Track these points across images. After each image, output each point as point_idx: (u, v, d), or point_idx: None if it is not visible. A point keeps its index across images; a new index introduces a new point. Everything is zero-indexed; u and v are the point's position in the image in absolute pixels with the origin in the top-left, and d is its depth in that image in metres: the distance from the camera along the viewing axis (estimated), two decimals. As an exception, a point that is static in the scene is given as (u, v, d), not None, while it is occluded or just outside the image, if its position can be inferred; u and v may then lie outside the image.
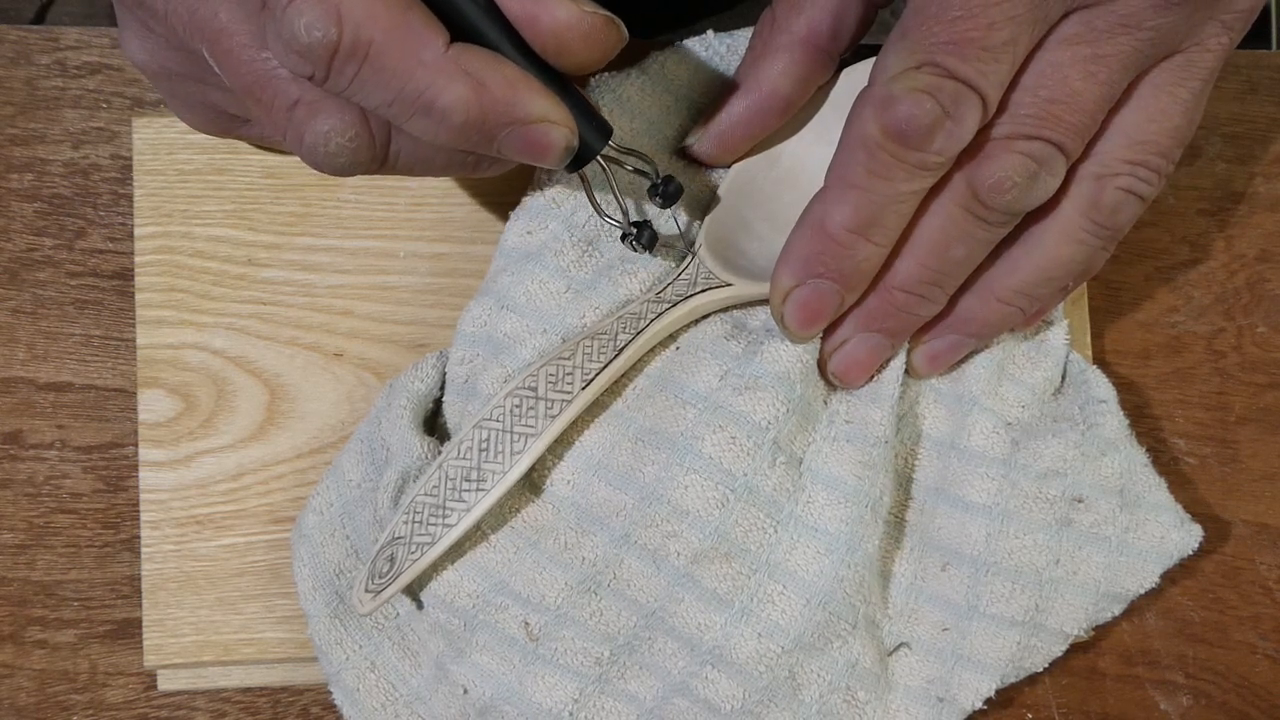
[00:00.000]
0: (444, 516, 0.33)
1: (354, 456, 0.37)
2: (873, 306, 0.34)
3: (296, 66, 0.27)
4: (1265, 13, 0.71)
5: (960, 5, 0.29)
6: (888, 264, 0.33)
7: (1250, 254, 0.44)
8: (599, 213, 0.34)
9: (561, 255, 0.36)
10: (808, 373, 0.35)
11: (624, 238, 0.34)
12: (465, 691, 0.35)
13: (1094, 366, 0.39)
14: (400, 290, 0.40)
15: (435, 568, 0.35)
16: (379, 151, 0.30)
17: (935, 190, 0.32)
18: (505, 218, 0.37)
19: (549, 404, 0.33)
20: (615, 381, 0.35)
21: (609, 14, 0.29)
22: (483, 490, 0.33)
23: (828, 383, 0.36)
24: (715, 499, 0.34)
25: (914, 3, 0.30)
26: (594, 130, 0.31)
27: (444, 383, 0.37)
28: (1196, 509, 0.41)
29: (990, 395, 0.37)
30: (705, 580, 0.34)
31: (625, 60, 0.38)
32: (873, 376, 0.36)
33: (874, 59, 0.32)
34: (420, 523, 0.33)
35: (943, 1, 0.29)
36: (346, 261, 0.40)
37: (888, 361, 0.36)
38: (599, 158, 0.32)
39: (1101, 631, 0.42)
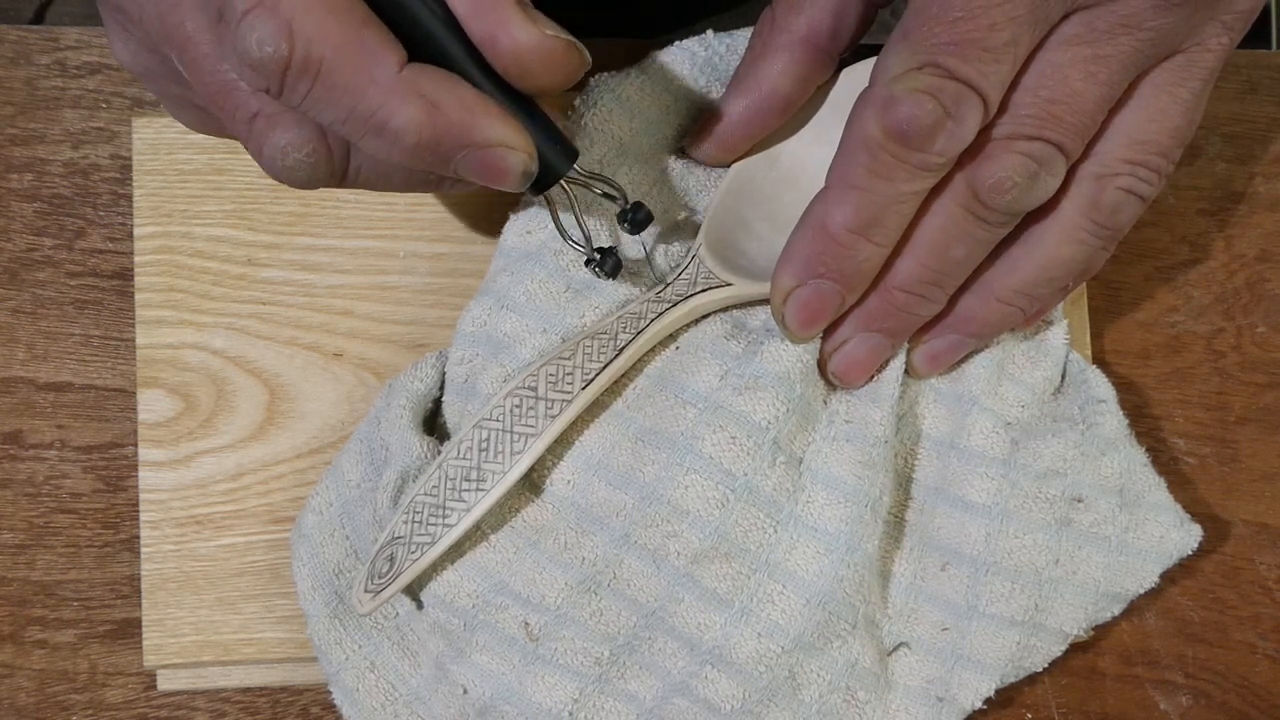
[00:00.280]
0: (444, 516, 0.33)
1: (353, 456, 0.37)
2: (873, 306, 0.34)
3: (251, 80, 0.27)
4: (1265, 13, 0.71)
5: (961, 6, 0.29)
6: (888, 264, 0.33)
7: (1250, 254, 0.44)
8: (563, 236, 0.33)
9: (561, 255, 0.36)
10: (808, 373, 0.35)
11: (588, 263, 0.34)
12: (465, 691, 0.35)
13: (1094, 366, 0.39)
14: (400, 290, 0.40)
15: (435, 568, 0.35)
16: (337, 167, 0.30)
17: (936, 190, 0.32)
18: (505, 218, 0.37)
19: (549, 404, 0.33)
20: (615, 381, 0.35)
21: (570, 38, 0.29)
22: (483, 490, 0.33)
23: (828, 382, 0.36)
24: (715, 499, 0.34)
25: (915, 3, 0.30)
26: (558, 153, 0.31)
27: (443, 383, 0.37)
28: (1196, 509, 0.41)
29: (990, 395, 0.37)
30: (705, 580, 0.34)
31: (625, 60, 0.38)
32: (873, 376, 0.36)
33: (874, 59, 0.32)
34: (420, 523, 0.33)
35: (944, 2, 0.29)
36: (346, 261, 0.40)
37: (888, 361, 0.36)
38: (563, 182, 0.32)
39: (1101, 631, 0.42)
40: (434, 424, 0.38)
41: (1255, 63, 0.45)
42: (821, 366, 0.36)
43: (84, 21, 0.49)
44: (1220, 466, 0.43)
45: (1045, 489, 0.36)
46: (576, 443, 0.35)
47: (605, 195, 0.33)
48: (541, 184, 0.31)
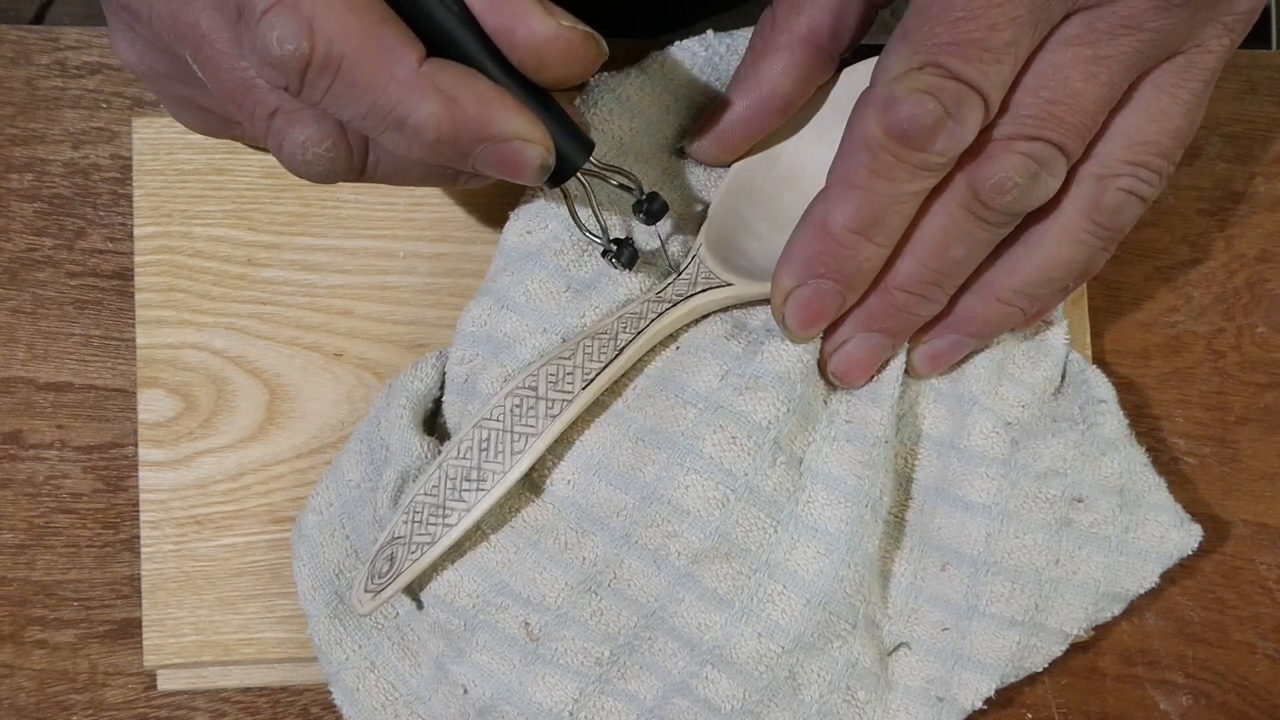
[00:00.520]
0: (444, 516, 0.33)
1: (353, 456, 0.37)
2: (873, 306, 0.34)
3: (271, 78, 0.27)
4: (1265, 13, 0.71)
5: (962, 6, 0.29)
6: (888, 264, 0.33)
7: (1250, 254, 0.44)
8: (580, 228, 0.33)
9: (561, 255, 0.36)
10: (808, 372, 0.35)
11: (604, 254, 0.34)
12: (465, 691, 0.35)
13: (1094, 366, 0.39)
14: (400, 290, 0.40)
15: (435, 567, 0.35)
16: (356, 161, 0.31)
17: (936, 190, 0.32)
18: (505, 218, 0.37)
19: (549, 404, 0.33)
20: (616, 381, 0.35)
21: (588, 29, 0.29)
22: (483, 490, 0.33)
23: (828, 382, 0.36)
24: (715, 499, 0.34)
25: (916, 3, 0.30)
26: (575, 146, 0.31)
27: (444, 382, 0.37)
28: (1196, 509, 0.41)
29: (990, 395, 0.37)
30: (705, 580, 0.34)
31: (625, 60, 0.38)
32: (873, 376, 0.36)
33: (874, 59, 0.32)
34: (420, 522, 0.33)
35: (945, 2, 0.29)
36: (346, 261, 0.40)
37: (888, 361, 0.36)
38: (579, 174, 0.32)
39: (1101, 631, 0.42)
40: (434, 424, 0.38)
41: (1255, 63, 0.45)
42: (822, 366, 0.36)
43: (84, 21, 0.49)
44: (1220, 466, 0.43)
45: (1045, 489, 0.36)
46: (577, 442, 0.35)
47: (621, 186, 0.33)
48: (558, 176, 0.31)
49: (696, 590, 0.34)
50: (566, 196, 0.33)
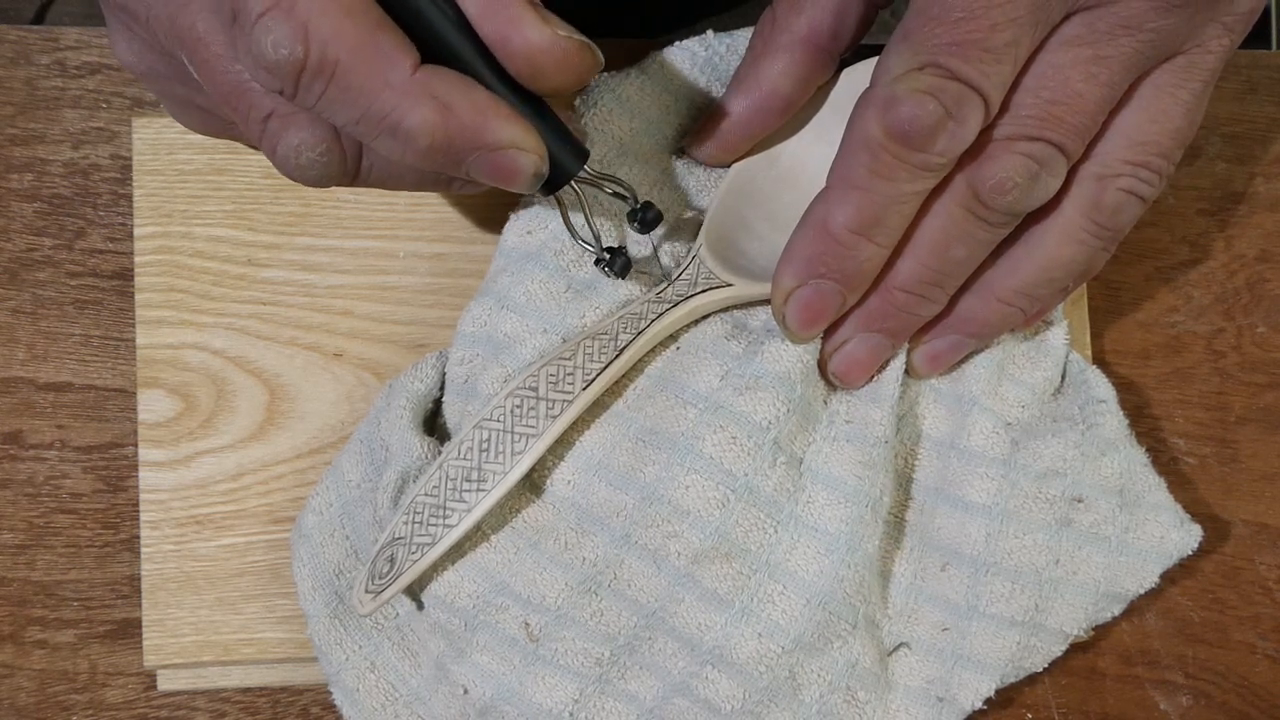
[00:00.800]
0: (444, 517, 0.33)
1: (353, 457, 0.37)
2: (873, 307, 0.34)
3: (266, 82, 0.27)
4: (1265, 13, 0.71)
5: (963, 7, 0.29)
6: (889, 264, 0.33)
7: (1250, 254, 0.44)
8: (574, 236, 0.33)
9: (562, 255, 0.36)
10: (808, 373, 0.35)
11: (597, 262, 0.34)
12: (465, 692, 0.35)
13: (1094, 366, 0.39)
14: (400, 290, 0.40)
15: (435, 568, 0.35)
16: (350, 166, 0.31)
17: (936, 191, 0.32)
18: (505, 218, 0.37)
19: (550, 404, 0.33)
20: (616, 381, 0.35)
21: (584, 39, 0.29)
22: (483, 490, 0.33)
23: (828, 383, 0.36)
24: (716, 499, 0.34)
25: (916, 4, 0.30)
26: (569, 154, 0.31)
27: (444, 383, 0.37)
28: (1196, 509, 0.41)
29: (990, 395, 0.37)
30: (705, 580, 0.34)
31: (625, 60, 0.38)
32: (873, 376, 0.36)
33: (874, 59, 0.32)
34: (420, 523, 0.33)
35: (945, 3, 0.29)
36: (346, 261, 0.40)
37: (888, 361, 0.36)
38: (573, 182, 0.32)
39: (1101, 631, 0.42)
40: (434, 424, 0.38)
41: (1255, 63, 0.45)
42: (822, 367, 0.36)
43: (84, 21, 0.49)
44: (1220, 466, 0.43)
45: (1045, 489, 0.36)
46: (577, 443, 0.35)
47: (615, 195, 0.33)
48: (552, 184, 0.31)
49: (696, 590, 0.34)
50: (561, 204, 0.33)
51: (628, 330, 0.34)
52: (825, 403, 0.36)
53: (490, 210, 0.40)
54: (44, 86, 0.41)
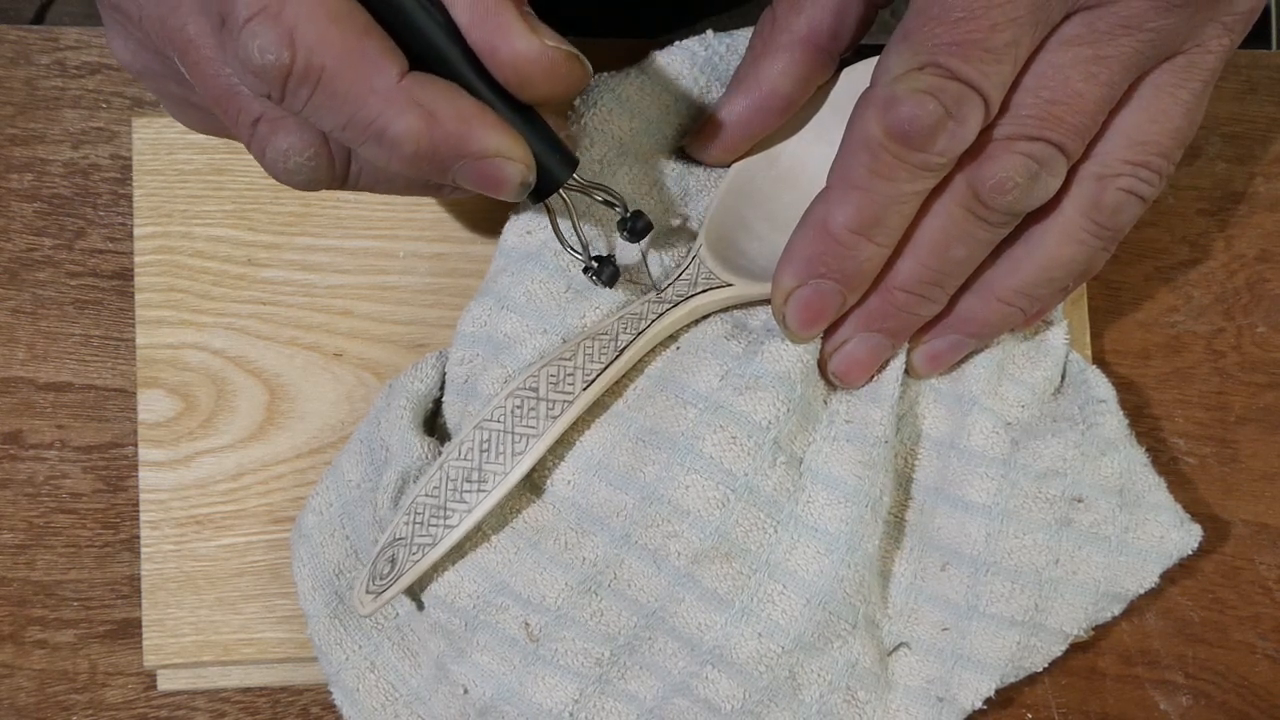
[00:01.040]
0: (445, 517, 0.33)
1: (353, 457, 0.37)
2: (873, 306, 0.34)
3: (253, 86, 0.28)
4: (1265, 13, 0.71)
5: (963, 7, 0.29)
6: (889, 264, 0.33)
7: (1250, 254, 0.44)
8: (562, 243, 0.33)
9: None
10: (808, 372, 0.35)
11: (585, 270, 0.34)
12: (465, 691, 0.35)
13: (1094, 366, 0.39)
14: (400, 290, 0.40)
15: (436, 568, 0.35)
16: (339, 171, 0.31)
17: (936, 191, 0.32)
18: (505, 218, 0.37)
19: (550, 404, 0.33)
20: (616, 381, 0.35)
21: (572, 49, 0.29)
22: (484, 491, 0.33)
23: (828, 382, 0.36)
24: (716, 499, 0.34)
25: (916, 4, 0.30)
26: (558, 162, 0.31)
27: (444, 383, 0.37)
28: (1196, 509, 0.41)
29: (990, 395, 0.37)
30: (705, 580, 0.34)
31: (625, 60, 0.38)
32: (873, 376, 0.36)
33: (874, 58, 0.32)
34: (421, 523, 0.33)
35: (945, 3, 0.29)
36: (346, 261, 0.40)
37: (888, 361, 0.36)
38: (562, 190, 0.32)
39: (1101, 631, 0.42)
40: (434, 424, 0.38)
41: (1255, 63, 0.45)
42: (822, 366, 0.36)
43: (84, 21, 0.49)
44: (1220, 466, 0.43)
45: (1045, 489, 0.36)
46: (577, 443, 0.35)
47: (605, 203, 0.33)
48: (541, 192, 0.31)
49: (696, 590, 0.34)
50: (550, 211, 0.33)
51: (628, 330, 0.34)
52: (825, 403, 0.36)
53: (490, 210, 0.40)
54: (44, 86, 0.41)
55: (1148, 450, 0.38)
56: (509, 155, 0.29)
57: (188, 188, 0.39)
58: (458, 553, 0.35)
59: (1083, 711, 0.42)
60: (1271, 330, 0.43)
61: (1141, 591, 0.37)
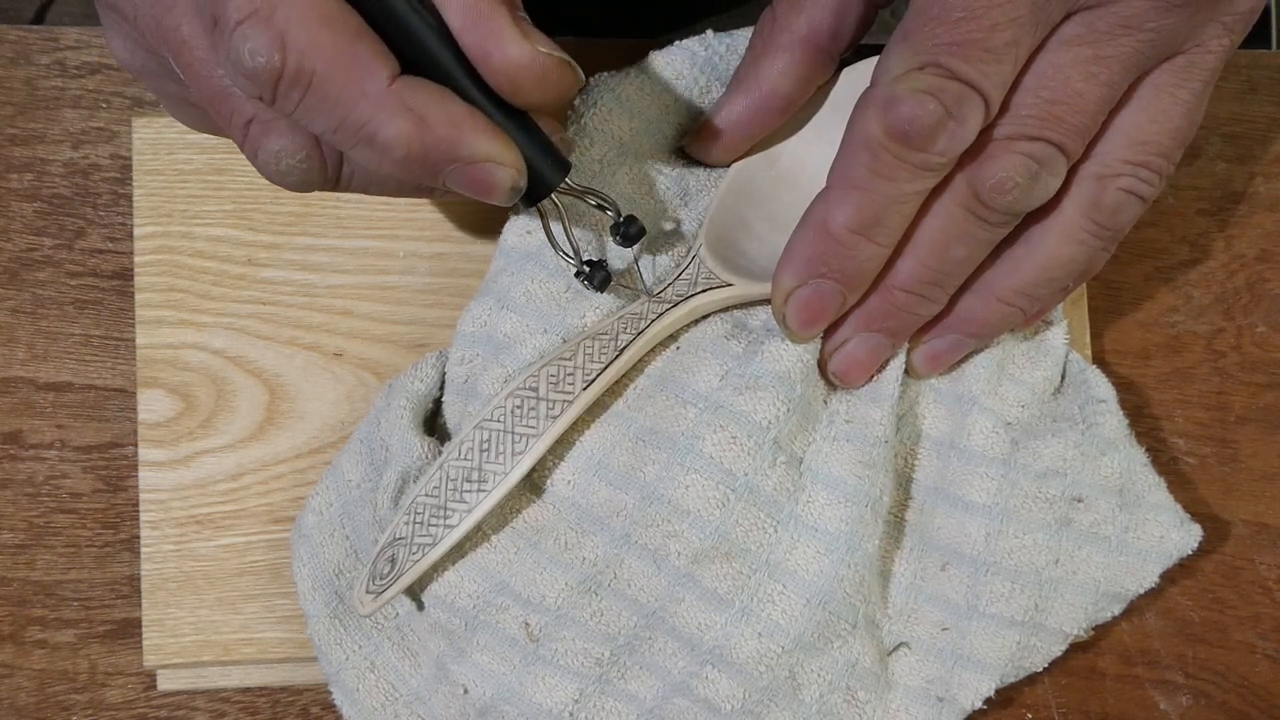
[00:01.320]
0: (445, 517, 0.33)
1: (353, 457, 0.37)
2: (873, 306, 0.34)
3: (245, 88, 0.28)
4: (1265, 13, 0.71)
5: (963, 7, 0.29)
6: (889, 264, 0.33)
7: (1250, 254, 0.44)
8: (554, 247, 0.33)
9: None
10: (808, 372, 0.35)
11: (577, 275, 0.34)
12: (465, 691, 0.35)
13: (1093, 366, 0.39)
14: (400, 290, 0.40)
15: (436, 568, 0.35)
16: (330, 173, 0.31)
17: (936, 191, 0.32)
18: (505, 218, 0.37)
19: (550, 404, 0.33)
20: (616, 381, 0.35)
21: (564, 56, 0.29)
22: (484, 491, 0.33)
23: (828, 382, 0.36)
24: (716, 499, 0.34)
25: (916, 4, 0.30)
26: (550, 167, 0.31)
27: (444, 383, 0.37)
28: (1196, 509, 0.41)
29: (990, 395, 0.37)
30: (705, 580, 0.34)
31: (625, 60, 0.38)
32: (873, 376, 0.36)
33: (874, 59, 0.32)
34: (421, 523, 0.33)
35: (945, 3, 0.29)
36: (346, 261, 0.40)
37: (888, 361, 0.36)
38: (554, 195, 0.32)
39: (1101, 631, 0.42)
40: (434, 424, 0.38)
41: (1255, 63, 0.45)
42: (822, 366, 0.36)
43: (84, 21, 0.49)
44: (1220, 466, 0.43)
45: (1045, 489, 0.36)
46: (577, 443, 0.35)
47: (599, 207, 0.33)
48: (532, 196, 0.31)
49: (696, 590, 0.34)
50: (542, 215, 0.33)
51: (628, 330, 0.34)
52: (825, 402, 0.36)
53: (490, 210, 0.40)
54: (44, 86, 0.41)
55: (1148, 450, 0.38)
56: (499, 160, 0.29)
57: (188, 188, 0.39)
58: (458, 553, 0.35)
59: (1083, 711, 0.42)
60: (1271, 330, 0.43)
61: (1141, 591, 0.37)
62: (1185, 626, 0.42)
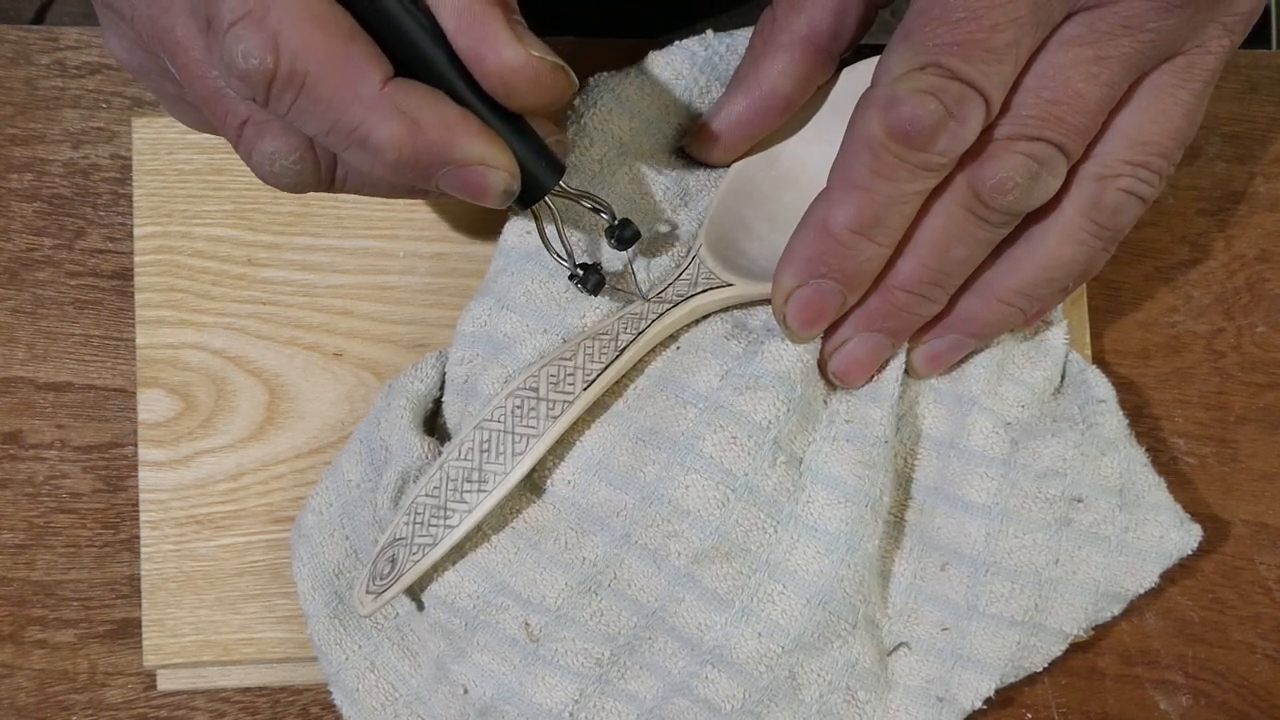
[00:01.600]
0: (445, 517, 0.33)
1: (353, 457, 0.37)
2: (874, 306, 0.34)
3: (238, 90, 0.28)
4: (1265, 13, 0.71)
5: (963, 7, 0.29)
6: (889, 264, 0.33)
7: (1250, 254, 0.44)
8: (549, 251, 0.33)
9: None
10: (808, 372, 0.35)
11: (571, 278, 0.34)
12: (465, 691, 0.35)
13: (1093, 366, 0.39)
14: (400, 290, 0.40)
15: (436, 568, 0.35)
16: (324, 174, 0.31)
17: (937, 191, 0.32)
18: (505, 218, 0.37)
19: (550, 404, 0.33)
20: (616, 381, 0.35)
21: (557, 60, 0.29)
22: (484, 491, 0.33)
23: (828, 382, 0.36)
24: (716, 499, 0.34)
25: (917, 4, 0.30)
26: (545, 169, 0.31)
27: (444, 383, 0.37)
28: (1196, 509, 0.41)
29: (990, 395, 0.37)
30: (705, 580, 0.34)
31: (625, 60, 0.38)
32: (873, 376, 0.36)
33: (874, 59, 0.32)
34: (421, 524, 0.33)
35: (946, 3, 0.29)
36: (346, 261, 0.40)
37: (888, 361, 0.36)
38: (548, 198, 0.32)
39: (1101, 631, 0.42)
40: (434, 424, 0.38)
41: (1255, 63, 0.45)
42: (822, 366, 0.36)
43: (84, 21, 0.48)
44: (1220, 466, 0.43)
45: (1045, 489, 0.36)
46: (577, 443, 0.35)
47: (594, 210, 0.33)
48: (526, 199, 0.31)
49: (696, 590, 0.34)
50: (537, 218, 0.33)
51: (628, 330, 0.34)
52: (825, 402, 0.36)
53: (490, 211, 0.39)
54: (44, 86, 0.41)
55: (1148, 450, 0.38)
56: (492, 163, 0.29)
57: (188, 188, 0.39)
58: (458, 553, 0.35)
59: (1083, 711, 0.42)
60: (1271, 330, 0.43)
61: (1141, 591, 0.37)
62: (1185, 626, 0.42)
